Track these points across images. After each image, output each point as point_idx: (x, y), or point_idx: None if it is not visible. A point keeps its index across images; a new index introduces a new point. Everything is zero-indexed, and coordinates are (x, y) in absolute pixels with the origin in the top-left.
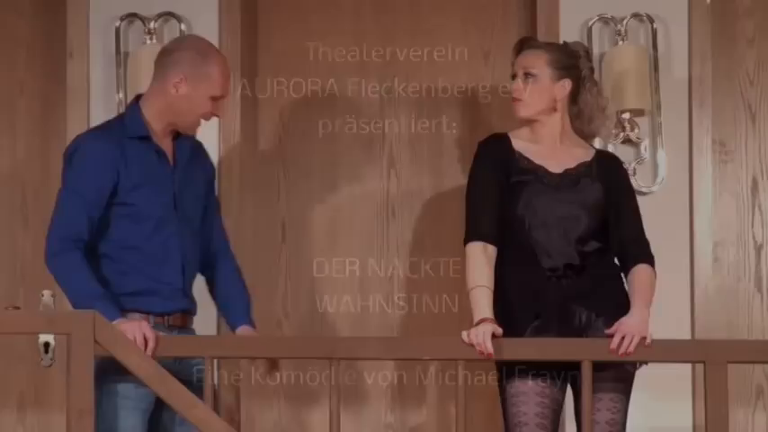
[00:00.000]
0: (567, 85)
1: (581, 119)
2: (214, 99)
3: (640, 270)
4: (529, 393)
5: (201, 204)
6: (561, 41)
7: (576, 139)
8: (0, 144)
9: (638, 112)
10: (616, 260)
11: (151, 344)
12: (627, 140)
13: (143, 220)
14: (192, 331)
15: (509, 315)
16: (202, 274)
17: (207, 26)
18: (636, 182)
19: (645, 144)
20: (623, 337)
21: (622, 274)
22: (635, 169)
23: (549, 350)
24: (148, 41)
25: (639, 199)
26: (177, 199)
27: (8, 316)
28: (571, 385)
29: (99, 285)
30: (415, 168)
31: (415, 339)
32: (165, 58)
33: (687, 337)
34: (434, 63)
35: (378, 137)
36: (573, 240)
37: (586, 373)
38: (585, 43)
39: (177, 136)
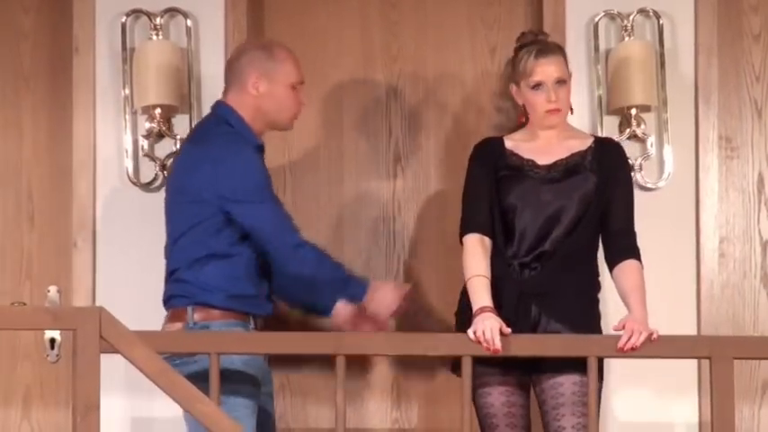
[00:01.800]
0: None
1: None
2: (294, 88)
3: (630, 266)
4: (498, 415)
5: None
6: (516, 34)
7: (573, 131)
8: (6, 139)
9: (645, 108)
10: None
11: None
12: (633, 136)
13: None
14: None
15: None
16: None
17: (213, 22)
18: (642, 178)
19: (651, 140)
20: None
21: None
22: (641, 165)
23: (553, 346)
24: (154, 37)
25: (646, 195)
26: None
27: (14, 312)
28: (536, 393)
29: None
30: (421, 164)
31: (421, 335)
32: (234, 65)
33: (693, 332)
34: (440, 59)
35: (384, 133)
36: (551, 231)
37: (592, 369)
38: (592, 39)
39: None
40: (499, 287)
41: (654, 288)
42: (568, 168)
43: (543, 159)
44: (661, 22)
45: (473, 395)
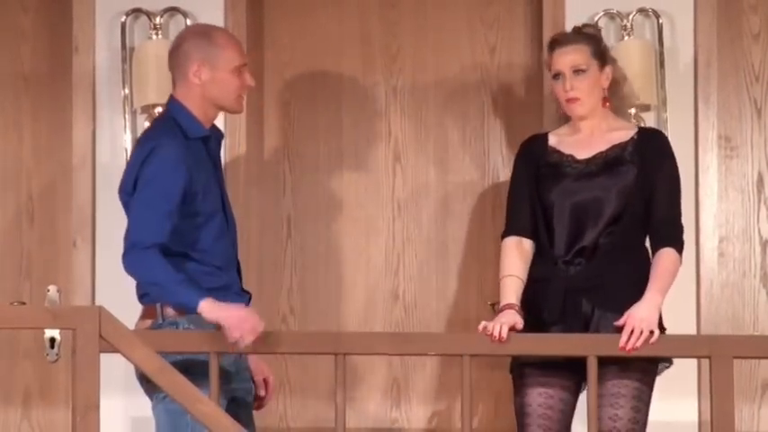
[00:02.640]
0: (609, 72)
1: (617, 95)
2: (239, 71)
3: (664, 254)
4: (532, 415)
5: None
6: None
7: (616, 123)
8: (5, 139)
9: (644, 108)
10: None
11: (259, 328)
12: None
13: (211, 221)
14: None
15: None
16: None
17: (212, 21)
18: None
19: None
20: (632, 332)
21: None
22: None
23: (553, 346)
24: (154, 36)
25: None
26: (225, 199)
27: (14, 311)
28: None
29: (178, 273)
30: (421, 164)
31: (421, 334)
32: (174, 55)
33: (693, 332)
34: (440, 58)
35: (383, 132)
36: (588, 226)
37: (592, 368)
38: None
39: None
40: (544, 286)
41: None
42: (608, 161)
43: (583, 153)
44: (660, 21)
45: (514, 393)
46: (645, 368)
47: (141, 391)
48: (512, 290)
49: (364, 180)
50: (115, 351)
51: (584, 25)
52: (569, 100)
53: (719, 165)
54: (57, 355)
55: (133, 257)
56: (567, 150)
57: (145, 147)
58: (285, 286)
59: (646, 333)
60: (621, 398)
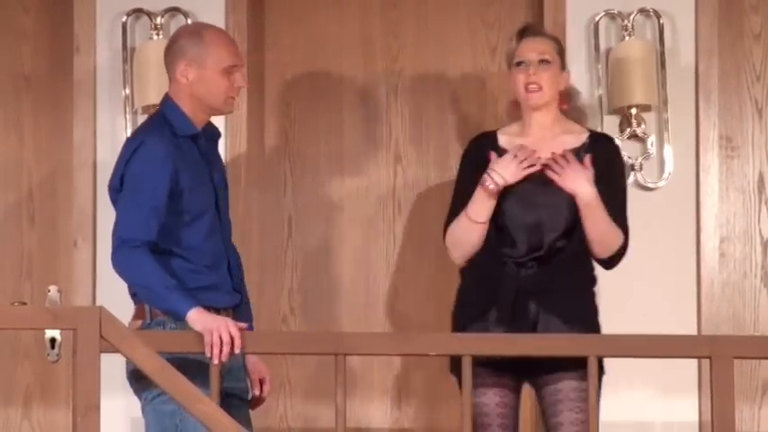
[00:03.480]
0: (567, 76)
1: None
2: (228, 71)
3: None
4: (491, 414)
5: (228, 200)
6: None
7: (567, 126)
8: (6, 139)
9: (645, 108)
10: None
11: (237, 341)
12: (633, 136)
13: (199, 220)
14: None
15: (466, 304)
16: None
17: (213, 22)
18: (642, 177)
19: (651, 139)
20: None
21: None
22: (641, 165)
23: (555, 346)
24: (155, 37)
25: (646, 194)
26: (219, 198)
27: (15, 311)
28: (533, 387)
29: (170, 278)
30: (422, 163)
31: (422, 334)
32: (167, 53)
33: (693, 332)
34: (441, 58)
35: (384, 132)
36: (545, 233)
37: (593, 369)
38: (592, 39)
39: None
40: (494, 284)
41: (654, 288)
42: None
43: (539, 155)
44: (661, 21)
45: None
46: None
47: None
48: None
49: (365, 181)
50: (116, 351)
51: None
52: (530, 89)
53: (720, 165)
54: (57, 355)
55: (122, 256)
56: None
57: (131, 144)
58: (286, 286)
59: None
60: (570, 401)
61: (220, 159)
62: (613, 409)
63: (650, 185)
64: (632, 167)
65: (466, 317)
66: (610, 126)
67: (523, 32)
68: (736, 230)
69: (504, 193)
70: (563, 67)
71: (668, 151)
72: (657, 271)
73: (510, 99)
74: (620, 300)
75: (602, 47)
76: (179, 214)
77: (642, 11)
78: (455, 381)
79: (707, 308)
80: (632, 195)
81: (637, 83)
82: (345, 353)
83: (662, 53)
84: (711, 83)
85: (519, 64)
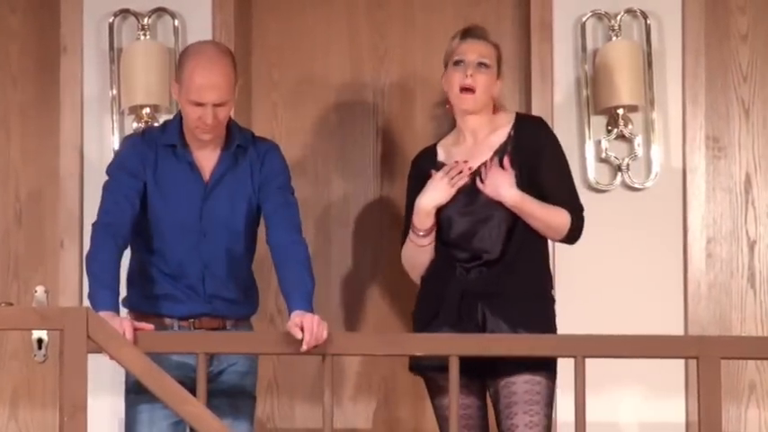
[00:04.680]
0: (500, 86)
1: None
2: (196, 104)
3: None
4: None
5: (245, 212)
6: None
7: (495, 121)
8: None
9: (632, 108)
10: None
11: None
12: (620, 136)
13: (166, 227)
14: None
15: (417, 315)
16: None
17: (200, 22)
18: (629, 178)
19: (638, 140)
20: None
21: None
22: (628, 165)
23: (542, 347)
24: (142, 37)
25: (633, 195)
26: (205, 210)
27: (1, 312)
28: (491, 395)
29: (110, 274)
30: (408, 165)
31: (409, 335)
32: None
33: (680, 332)
34: (428, 59)
35: (371, 134)
36: (486, 237)
37: (579, 370)
38: (579, 39)
39: (228, 146)
40: (441, 286)
41: (641, 288)
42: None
43: (470, 164)
44: (648, 22)
45: (430, 398)
46: (547, 365)
47: None
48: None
49: (352, 181)
50: (103, 352)
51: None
52: (465, 89)
53: (707, 165)
54: (44, 355)
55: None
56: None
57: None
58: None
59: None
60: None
61: (261, 168)
62: (600, 409)
63: (637, 186)
64: (619, 168)
65: (421, 320)
66: (596, 126)
67: (466, 33)
68: (723, 231)
69: (442, 206)
70: (499, 74)
71: (655, 152)
72: (644, 271)
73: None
74: (607, 300)
75: (589, 47)
76: (144, 215)
77: (629, 11)
78: (420, 379)
79: (693, 308)
80: (619, 196)
81: (624, 83)
82: (333, 353)
83: (649, 53)
84: (698, 83)
85: (457, 63)
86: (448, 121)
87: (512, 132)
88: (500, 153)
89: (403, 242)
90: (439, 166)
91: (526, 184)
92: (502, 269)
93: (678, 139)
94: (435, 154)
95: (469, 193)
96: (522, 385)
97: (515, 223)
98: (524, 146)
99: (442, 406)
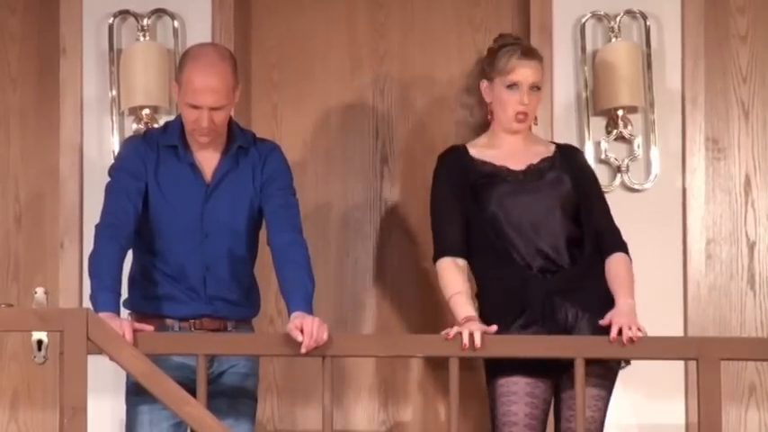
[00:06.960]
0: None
1: None
2: (193, 107)
3: (617, 260)
4: (519, 393)
5: (246, 213)
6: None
7: (534, 138)
8: None
9: (632, 110)
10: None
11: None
12: (620, 138)
13: (168, 228)
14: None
15: (494, 316)
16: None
17: (200, 23)
18: (629, 179)
19: (638, 141)
20: (620, 329)
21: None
22: (628, 166)
23: (539, 348)
24: (141, 38)
25: (632, 196)
26: (206, 211)
27: (1, 313)
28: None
29: (112, 276)
30: (408, 166)
31: (409, 336)
32: None
33: (680, 334)
34: (427, 60)
35: (371, 134)
36: (548, 234)
37: (579, 371)
38: (579, 40)
39: (229, 147)
40: (521, 292)
41: (641, 289)
42: (542, 171)
43: (515, 165)
44: (648, 23)
45: (495, 397)
46: (603, 374)
47: None
48: (467, 304)
49: (352, 182)
50: (102, 353)
51: (520, 37)
52: (521, 114)
53: (707, 167)
54: (44, 357)
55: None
56: (497, 162)
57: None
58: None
59: (635, 328)
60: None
61: (263, 169)
62: None
63: (637, 187)
64: (618, 169)
65: (503, 321)
66: (596, 128)
67: (524, 54)
68: (723, 232)
69: (491, 199)
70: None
71: (655, 153)
72: (644, 273)
73: (488, 110)
74: None
75: (589, 48)
76: (144, 214)
77: (628, 12)
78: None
79: (693, 310)
80: (619, 197)
81: (623, 84)
82: (333, 355)
83: (648, 55)
84: (698, 85)
85: (512, 85)
86: (448, 121)
87: (557, 152)
88: (549, 162)
89: (437, 244)
90: (478, 162)
91: (576, 194)
92: (572, 261)
93: (678, 140)
94: (467, 152)
95: (522, 190)
96: (589, 400)
97: (567, 218)
98: (571, 166)
99: (509, 412)
